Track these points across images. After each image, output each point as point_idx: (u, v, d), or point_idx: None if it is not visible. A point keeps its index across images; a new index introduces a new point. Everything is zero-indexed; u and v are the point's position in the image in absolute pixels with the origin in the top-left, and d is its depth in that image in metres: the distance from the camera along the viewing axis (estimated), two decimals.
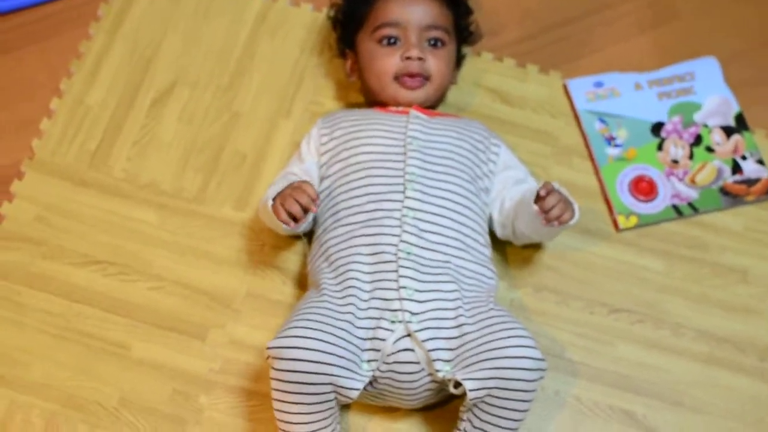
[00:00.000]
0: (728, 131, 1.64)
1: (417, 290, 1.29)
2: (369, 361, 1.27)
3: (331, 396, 1.24)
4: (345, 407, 1.39)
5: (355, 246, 1.35)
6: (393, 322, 1.28)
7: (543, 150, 1.63)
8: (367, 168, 1.41)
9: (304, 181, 1.33)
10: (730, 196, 1.60)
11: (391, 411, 1.40)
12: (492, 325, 1.25)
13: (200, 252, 1.52)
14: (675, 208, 1.58)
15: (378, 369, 1.27)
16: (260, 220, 1.49)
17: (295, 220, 1.31)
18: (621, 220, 1.57)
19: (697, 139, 1.63)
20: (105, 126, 1.62)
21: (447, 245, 1.36)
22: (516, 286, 1.52)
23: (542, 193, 1.31)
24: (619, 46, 1.75)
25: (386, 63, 1.48)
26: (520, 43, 1.75)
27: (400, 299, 1.29)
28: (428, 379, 1.28)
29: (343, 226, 1.38)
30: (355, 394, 1.25)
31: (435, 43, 1.50)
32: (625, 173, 1.60)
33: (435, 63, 1.49)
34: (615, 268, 1.54)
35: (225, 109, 1.64)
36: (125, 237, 1.53)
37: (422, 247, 1.34)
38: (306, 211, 1.30)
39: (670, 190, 1.59)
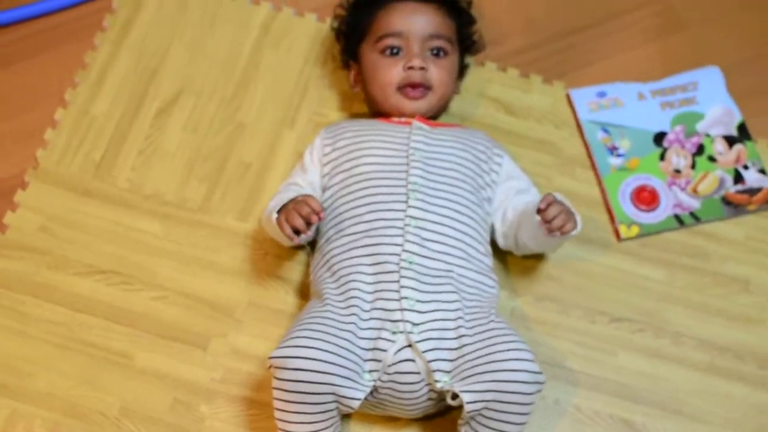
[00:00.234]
0: (730, 141, 1.64)
1: (418, 300, 1.30)
2: (370, 371, 1.27)
3: (333, 406, 1.24)
4: (346, 417, 1.39)
5: (358, 256, 1.35)
6: (394, 332, 1.28)
7: (546, 160, 1.63)
8: (370, 178, 1.41)
9: (309, 195, 1.34)
10: (732, 206, 1.59)
11: (391, 420, 1.40)
12: (491, 337, 1.25)
13: (205, 262, 1.52)
14: (677, 217, 1.58)
15: (379, 379, 1.27)
16: (263, 229, 1.50)
17: (298, 233, 1.32)
18: (623, 230, 1.57)
19: (700, 149, 1.63)
20: (109, 136, 1.62)
21: (449, 254, 1.36)
22: (517, 295, 1.52)
23: (542, 206, 1.31)
24: (624, 56, 1.75)
25: (389, 73, 1.49)
26: (523, 52, 1.75)
27: (402, 310, 1.29)
28: (428, 389, 1.29)
29: (345, 236, 1.38)
30: (356, 404, 1.25)
31: (437, 53, 1.50)
32: (627, 183, 1.60)
33: (437, 72, 1.49)
34: (616, 277, 1.54)
35: (229, 120, 1.65)
36: (129, 247, 1.53)
37: (424, 256, 1.34)
38: (309, 223, 1.31)
39: (672, 199, 1.59)
